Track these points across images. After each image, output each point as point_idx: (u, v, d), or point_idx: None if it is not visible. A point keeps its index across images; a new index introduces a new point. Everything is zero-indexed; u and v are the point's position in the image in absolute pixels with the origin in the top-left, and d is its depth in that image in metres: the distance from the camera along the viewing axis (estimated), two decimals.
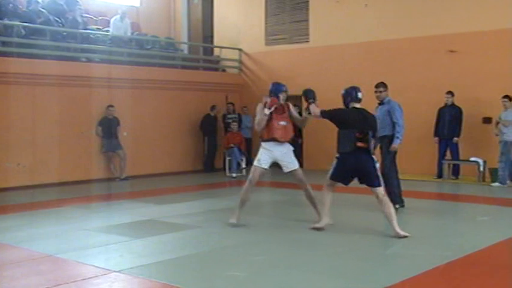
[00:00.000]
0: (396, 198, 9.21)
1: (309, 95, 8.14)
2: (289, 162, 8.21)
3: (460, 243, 7.18)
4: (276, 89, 8.27)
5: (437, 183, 13.10)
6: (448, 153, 13.43)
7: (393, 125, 9.31)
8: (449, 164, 13.43)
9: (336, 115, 7.84)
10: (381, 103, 9.61)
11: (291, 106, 8.34)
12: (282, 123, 8.12)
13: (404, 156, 14.38)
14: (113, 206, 10.50)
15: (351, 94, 7.94)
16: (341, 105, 8.07)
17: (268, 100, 8.12)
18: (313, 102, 8.06)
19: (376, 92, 9.69)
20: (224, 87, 16.93)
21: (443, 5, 13.93)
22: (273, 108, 8.04)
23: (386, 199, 7.58)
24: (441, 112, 13.40)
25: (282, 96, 8.20)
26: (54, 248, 6.87)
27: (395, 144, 9.30)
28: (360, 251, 6.84)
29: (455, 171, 13.42)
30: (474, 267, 6.09)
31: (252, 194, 8.30)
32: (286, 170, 8.24)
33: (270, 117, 8.05)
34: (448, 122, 13.23)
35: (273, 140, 8.10)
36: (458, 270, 5.96)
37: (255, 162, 8.21)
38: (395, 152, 9.52)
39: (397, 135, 9.28)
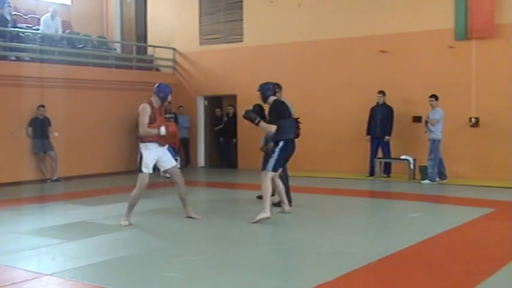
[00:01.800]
0: None
1: (251, 117, 8.42)
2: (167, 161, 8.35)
3: (392, 240, 7.35)
4: (166, 92, 8.34)
5: (369, 181, 13.38)
6: (379, 151, 13.74)
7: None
8: (381, 162, 13.74)
9: (280, 114, 8.27)
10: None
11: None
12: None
13: (337, 154, 14.74)
14: (45, 208, 10.26)
15: (270, 88, 8.52)
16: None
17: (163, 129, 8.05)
18: (259, 121, 8.36)
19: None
20: None
21: (375, 6, 14.24)
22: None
23: None
24: (373, 111, 13.70)
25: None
26: None
27: (271, 144, 9.66)
28: (294, 248, 6.92)
29: (387, 169, 13.74)
30: (405, 263, 6.25)
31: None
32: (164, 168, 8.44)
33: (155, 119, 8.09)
34: (380, 120, 13.54)
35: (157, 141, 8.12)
36: (390, 267, 6.09)
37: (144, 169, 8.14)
38: None
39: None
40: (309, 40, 15.16)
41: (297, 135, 8.62)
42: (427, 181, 12.54)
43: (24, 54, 14.22)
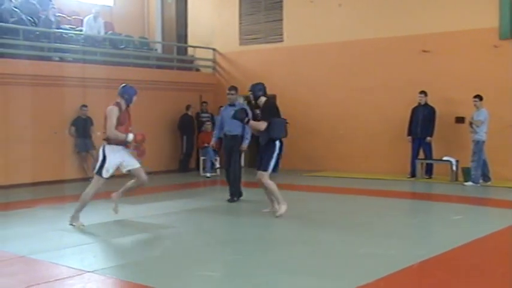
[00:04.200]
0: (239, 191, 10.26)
1: (240, 116, 8.71)
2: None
3: (434, 243, 7.26)
4: (131, 94, 8.53)
5: (410, 183, 13.21)
6: (421, 152, 13.57)
7: (243, 126, 9.71)
8: (422, 163, 13.55)
9: (271, 114, 8.53)
10: (232, 105, 10.19)
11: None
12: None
13: (377, 155, 14.60)
14: (87, 206, 10.39)
15: (261, 89, 8.75)
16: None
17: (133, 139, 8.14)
18: (249, 119, 8.65)
19: (228, 94, 10.32)
20: (198, 86, 16.90)
21: (417, 5, 14.06)
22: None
23: None
24: (414, 111, 13.52)
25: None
26: (27, 249, 6.79)
27: (245, 145, 10.15)
28: (332, 249, 6.87)
29: (429, 171, 13.55)
30: (447, 266, 6.14)
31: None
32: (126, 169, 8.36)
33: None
34: (422, 121, 13.36)
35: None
36: (432, 269, 6.00)
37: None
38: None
39: (246, 136, 10.00)
40: (349, 40, 15.05)
41: (286, 135, 8.73)
42: (470, 183, 12.32)
43: (67, 55, 14.46)
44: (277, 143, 8.47)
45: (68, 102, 13.69)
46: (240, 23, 17.15)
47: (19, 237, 7.59)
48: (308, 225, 8.22)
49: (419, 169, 13.48)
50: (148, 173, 14.90)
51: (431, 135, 13.33)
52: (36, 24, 14.24)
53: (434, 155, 13.42)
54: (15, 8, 14.13)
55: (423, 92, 13.40)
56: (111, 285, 5.57)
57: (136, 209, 9.87)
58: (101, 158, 8.02)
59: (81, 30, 15.50)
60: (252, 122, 8.64)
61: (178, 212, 9.53)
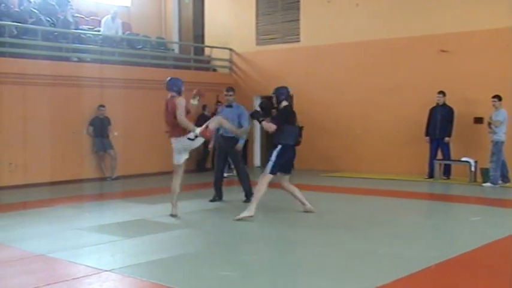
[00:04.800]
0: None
1: (256, 115, 8.83)
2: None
3: (452, 244, 7.21)
4: (179, 84, 8.72)
5: (428, 183, 13.13)
6: (439, 153, 13.48)
7: (240, 127, 9.96)
8: (440, 164, 13.46)
9: (286, 119, 8.63)
10: (229, 106, 10.34)
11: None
12: None
13: (394, 155, 14.53)
14: (105, 205, 10.49)
15: (284, 93, 8.80)
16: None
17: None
18: (263, 120, 8.74)
19: (226, 95, 10.55)
20: (215, 86, 16.88)
21: (434, 4, 13.98)
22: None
23: None
24: (433, 112, 13.44)
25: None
26: (46, 248, 6.85)
27: (241, 145, 10.40)
28: (350, 250, 6.84)
29: (447, 171, 13.46)
30: (465, 268, 6.10)
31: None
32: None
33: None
34: (440, 121, 13.27)
35: None
36: (450, 271, 5.96)
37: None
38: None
39: (243, 136, 10.20)
40: (367, 40, 15.00)
41: (298, 143, 8.79)
42: (488, 184, 12.22)
43: (85, 55, 14.56)
44: (279, 146, 8.53)
45: (86, 102, 13.79)
46: (257, 23, 17.16)
47: (38, 236, 7.66)
48: (325, 225, 8.20)
49: (437, 170, 13.38)
50: (165, 173, 15.08)
51: (449, 136, 13.24)
52: (54, 25, 14.36)
53: (453, 156, 13.32)
54: (34, 8, 14.28)
55: (441, 92, 13.31)
56: (128, 284, 5.59)
57: (153, 208, 9.91)
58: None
59: (99, 31, 15.61)
60: (264, 123, 8.67)
61: (195, 212, 9.55)
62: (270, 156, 8.61)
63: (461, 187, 12.40)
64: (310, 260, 6.40)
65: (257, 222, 8.39)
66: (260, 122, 8.74)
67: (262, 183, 8.48)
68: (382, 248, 6.86)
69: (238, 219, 8.36)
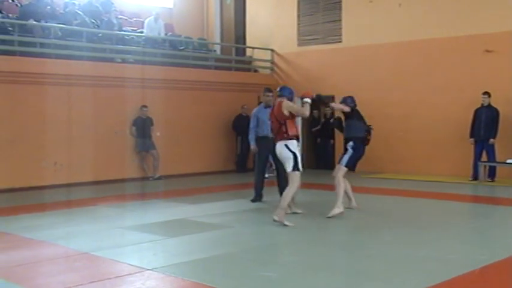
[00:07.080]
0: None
1: (338, 124, 9.72)
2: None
3: (496, 248, 7.06)
4: (289, 92, 8.51)
5: (472, 186, 12.90)
6: (484, 154, 13.23)
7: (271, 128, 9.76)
8: (485, 166, 13.20)
9: (358, 114, 9.12)
10: (268, 106, 10.15)
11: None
12: None
13: (438, 157, 14.33)
14: (147, 205, 10.60)
15: (353, 101, 9.14)
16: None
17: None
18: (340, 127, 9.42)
19: (265, 96, 10.57)
20: (256, 87, 16.89)
21: (478, 4, 13.74)
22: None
23: None
24: (477, 113, 13.20)
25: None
26: (90, 246, 6.97)
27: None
28: (391, 252, 6.76)
29: (492, 173, 13.20)
30: (510, 272, 5.98)
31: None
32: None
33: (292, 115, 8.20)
34: (484, 123, 13.03)
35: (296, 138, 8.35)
36: (494, 275, 5.86)
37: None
38: None
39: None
40: (409, 40, 14.82)
41: (367, 142, 9.11)
42: None
43: (128, 56, 14.74)
44: (352, 142, 8.87)
45: (129, 102, 13.97)
46: (298, 24, 17.12)
47: (82, 235, 7.79)
48: (366, 227, 8.14)
49: (482, 172, 13.12)
50: (206, 174, 15.20)
51: (494, 137, 12.99)
52: (98, 27, 14.60)
53: (498, 158, 13.07)
54: (79, 10, 14.52)
55: (486, 93, 13.07)
56: (170, 283, 5.64)
57: (195, 208, 9.98)
58: (291, 155, 8.12)
59: (142, 32, 15.79)
60: (335, 104, 9.34)
61: (235, 212, 9.58)
62: (345, 150, 8.88)
63: (506, 189, 12.15)
64: (349, 262, 6.36)
65: (299, 224, 8.37)
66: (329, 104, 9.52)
67: (338, 177, 8.80)
68: (425, 251, 6.77)
69: (330, 217, 8.58)
